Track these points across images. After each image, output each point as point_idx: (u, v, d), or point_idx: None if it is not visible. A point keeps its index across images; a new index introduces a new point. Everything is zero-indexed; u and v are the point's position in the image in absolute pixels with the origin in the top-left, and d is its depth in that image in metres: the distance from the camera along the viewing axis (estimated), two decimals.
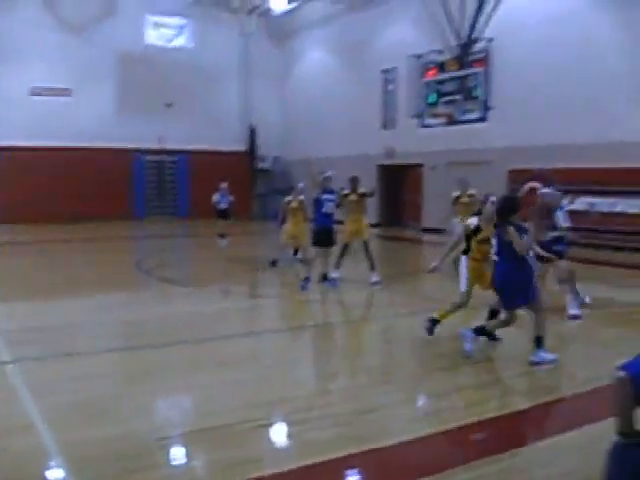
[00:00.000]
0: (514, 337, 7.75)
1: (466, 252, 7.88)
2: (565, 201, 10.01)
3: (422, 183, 24.04)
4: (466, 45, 19.14)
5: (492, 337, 7.65)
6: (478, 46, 19.27)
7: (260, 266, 14.76)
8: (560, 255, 9.37)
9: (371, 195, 12.59)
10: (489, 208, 7.63)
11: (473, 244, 7.73)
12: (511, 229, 6.70)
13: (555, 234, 9.35)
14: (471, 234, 7.74)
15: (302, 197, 12.71)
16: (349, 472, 4.52)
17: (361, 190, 12.30)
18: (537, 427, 5.45)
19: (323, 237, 11.78)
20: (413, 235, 22.85)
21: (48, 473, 4.43)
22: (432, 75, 20.69)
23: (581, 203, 10.45)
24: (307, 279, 11.50)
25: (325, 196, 11.87)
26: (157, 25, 27.97)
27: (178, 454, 4.86)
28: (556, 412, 5.89)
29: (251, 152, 30.93)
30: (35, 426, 5.13)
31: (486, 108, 19.26)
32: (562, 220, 9.42)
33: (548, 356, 6.90)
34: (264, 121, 30.94)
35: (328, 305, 10.92)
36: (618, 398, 3.02)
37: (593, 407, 5.93)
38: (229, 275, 14.67)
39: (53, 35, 26.08)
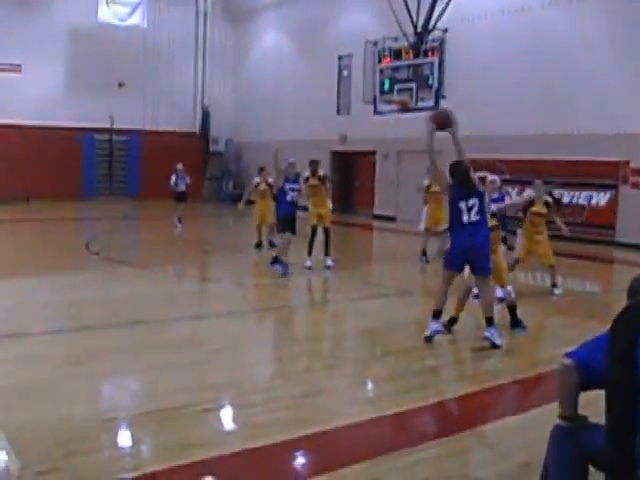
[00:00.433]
0: (459, 322, 7.87)
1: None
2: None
3: (375, 170, 24.16)
4: (422, 34, 19.23)
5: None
6: (433, 35, 19.39)
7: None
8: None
9: (330, 182, 12.67)
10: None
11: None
12: None
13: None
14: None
15: (270, 179, 12.77)
16: (294, 455, 4.57)
17: (321, 173, 12.37)
18: (479, 411, 5.57)
19: (287, 225, 11.64)
20: (364, 221, 23.01)
21: None
22: (387, 62, 20.73)
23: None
24: (276, 259, 11.49)
25: (289, 185, 11.72)
26: (110, 2, 27.42)
27: (124, 437, 4.85)
28: (498, 397, 6.02)
29: (204, 134, 30.67)
30: None
31: (439, 97, 19.37)
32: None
33: (497, 336, 7.12)
34: (218, 103, 30.72)
35: (279, 289, 10.93)
36: (563, 384, 3.12)
37: (535, 392, 6.10)
38: (179, 257, 14.58)
39: (2, 8, 25.41)
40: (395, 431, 5.16)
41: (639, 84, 16.36)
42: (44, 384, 5.74)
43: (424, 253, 13.06)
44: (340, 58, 25.14)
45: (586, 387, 3.09)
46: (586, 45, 17.06)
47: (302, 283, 11.57)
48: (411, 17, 19.10)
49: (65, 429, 4.74)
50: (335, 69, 25.46)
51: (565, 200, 17.47)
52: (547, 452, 3.24)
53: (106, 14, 27.41)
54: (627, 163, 16.82)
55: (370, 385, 6.29)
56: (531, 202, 10.31)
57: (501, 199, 9.77)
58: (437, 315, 7.22)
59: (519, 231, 10.62)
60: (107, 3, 27.37)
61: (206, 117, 30.67)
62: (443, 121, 7.75)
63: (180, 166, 19.07)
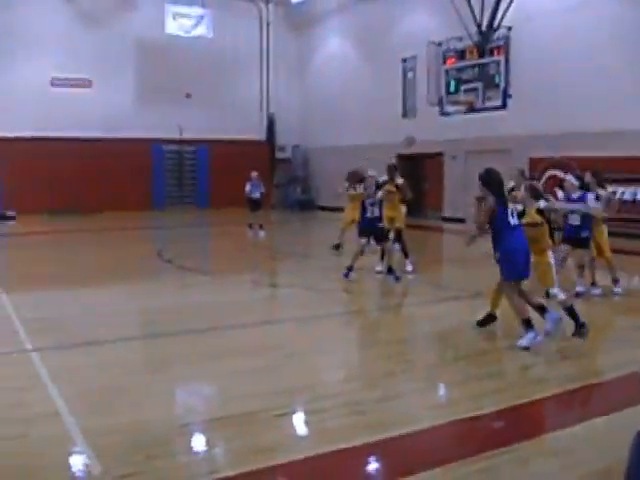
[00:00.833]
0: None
1: None
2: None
3: (442, 172, 23.94)
4: (486, 32, 19.00)
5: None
6: (498, 34, 19.13)
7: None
8: (585, 243, 9.58)
9: (407, 191, 12.60)
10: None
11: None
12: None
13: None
14: None
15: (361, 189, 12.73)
16: (368, 460, 4.55)
17: (399, 181, 12.34)
18: (555, 416, 5.44)
19: (371, 233, 11.58)
20: (433, 224, 22.81)
21: (70, 460, 4.48)
22: (452, 63, 20.56)
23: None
24: (350, 268, 11.48)
25: (368, 200, 11.55)
26: (176, 15, 27.94)
27: (199, 441, 4.92)
28: (575, 401, 5.87)
29: (270, 141, 30.94)
30: (57, 414, 5.21)
31: (506, 96, 19.12)
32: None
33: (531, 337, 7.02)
34: (283, 110, 30.95)
35: (349, 294, 10.93)
36: None
37: (614, 396, 5.92)
38: (250, 264, 14.73)
39: (73, 25, 26.23)
40: (469, 436, 5.08)
41: None
42: (121, 390, 5.88)
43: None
44: (404, 60, 25.01)
45: None
46: None
47: (372, 287, 11.54)
48: (474, 16, 18.90)
49: (143, 434, 4.85)
50: (399, 72, 25.34)
51: None
52: (630, 459, 3.11)
53: (172, 27, 27.94)
54: None
55: (443, 389, 6.21)
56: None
57: (582, 199, 9.48)
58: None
59: None
60: (173, 17, 27.90)
61: (272, 124, 30.94)
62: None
63: (255, 174, 19.40)
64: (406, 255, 12.41)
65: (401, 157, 25.04)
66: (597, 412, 5.34)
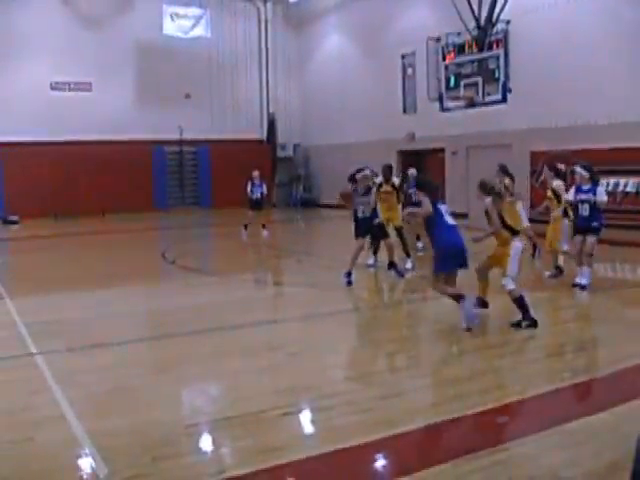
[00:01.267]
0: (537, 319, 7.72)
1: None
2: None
3: (444, 167, 23.91)
4: (485, 27, 18.96)
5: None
6: (497, 28, 19.08)
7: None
8: (596, 231, 9.84)
9: (403, 192, 12.67)
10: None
11: None
12: None
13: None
14: None
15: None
16: (375, 457, 4.55)
17: (395, 181, 12.35)
18: (563, 409, 5.43)
19: (367, 233, 11.40)
20: None
21: (77, 463, 4.49)
22: (451, 58, 20.52)
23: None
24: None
25: (358, 199, 11.17)
26: (174, 16, 27.95)
27: (207, 441, 4.93)
28: (583, 393, 5.87)
29: (271, 140, 30.92)
30: (63, 416, 5.22)
31: (506, 90, 19.08)
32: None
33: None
34: (283, 109, 30.94)
35: (353, 292, 10.91)
36: None
37: (620, 389, 5.91)
38: (253, 263, 14.74)
39: (71, 29, 26.19)
40: (477, 431, 5.08)
41: None
42: (127, 392, 5.89)
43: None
44: (403, 57, 24.96)
45: None
46: None
47: (374, 284, 11.54)
48: (473, 10, 18.85)
49: (150, 435, 4.85)
50: (399, 68, 25.30)
51: None
52: (637, 450, 3.12)
53: (170, 28, 27.96)
54: None
55: (448, 385, 6.20)
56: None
57: (592, 190, 9.86)
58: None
59: None
60: (171, 17, 27.92)
61: (272, 123, 30.92)
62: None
63: (256, 174, 19.34)
64: (407, 254, 12.35)
65: (402, 153, 25.10)
66: (603, 405, 5.33)
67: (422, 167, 24.91)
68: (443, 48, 20.84)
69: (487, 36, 19.00)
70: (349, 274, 10.70)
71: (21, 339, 7.65)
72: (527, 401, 5.48)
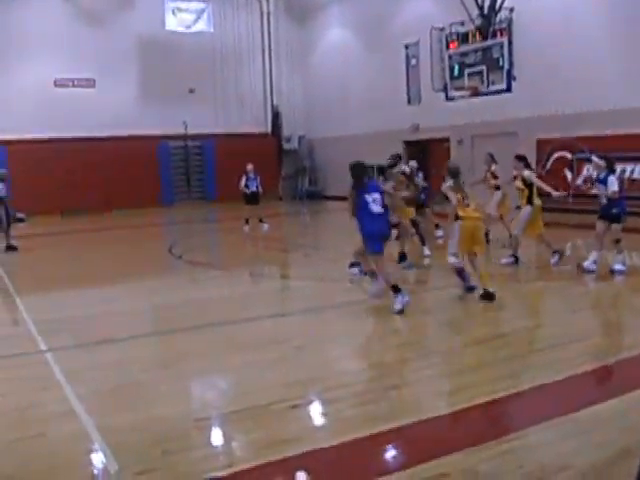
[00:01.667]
0: (541, 309, 7.71)
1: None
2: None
3: (449, 157, 23.84)
4: (488, 15, 18.86)
5: None
6: (500, 16, 18.97)
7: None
8: (617, 218, 10.08)
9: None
10: None
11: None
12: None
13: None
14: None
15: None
16: (385, 448, 4.55)
17: (405, 169, 12.40)
18: (573, 397, 5.40)
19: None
20: (443, 209, 22.73)
21: (87, 458, 4.51)
22: (455, 47, 20.42)
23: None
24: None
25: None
26: (176, 10, 27.92)
27: (216, 435, 4.94)
28: (591, 382, 5.84)
29: (276, 133, 30.89)
30: (73, 412, 5.24)
31: (510, 78, 18.98)
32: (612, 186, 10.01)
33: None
34: (288, 101, 30.90)
35: (356, 284, 10.89)
36: None
37: (630, 375, 5.90)
38: (259, 257, 14.74)
39: (73, 25, 26.18)
40: (487, 420, 5.08)
41: None
42: (136, 387, 5.91)
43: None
44: (407, 47, 24.87)
45: None
46: None
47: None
48: None
49: (159, 429, 4.87)
50: (402, 58, 25.22)
51: None
52: None
53: (172, 23, 27.92)
54: None
55: (457, 375, 6.19)
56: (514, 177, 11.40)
57: (604, 179, 10.10)
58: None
59: None
60: (173, 12, 27.88)
61: (277, 116, 30.88)
62: None
63: (250, 167, 19.07)
64: (423, 242, 12.43)
65: (408, 143, 25.02)
66: (612, 393, 5.31)
67: (427, 157, 24.89)
68: (447, 37, 20.73)
69: (491, 25, 18.90)
70: (356, 264, 10.66)
71: (30, 336, 7.67)
72: (535, 390, 5.47)
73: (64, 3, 26.25)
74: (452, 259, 8.82)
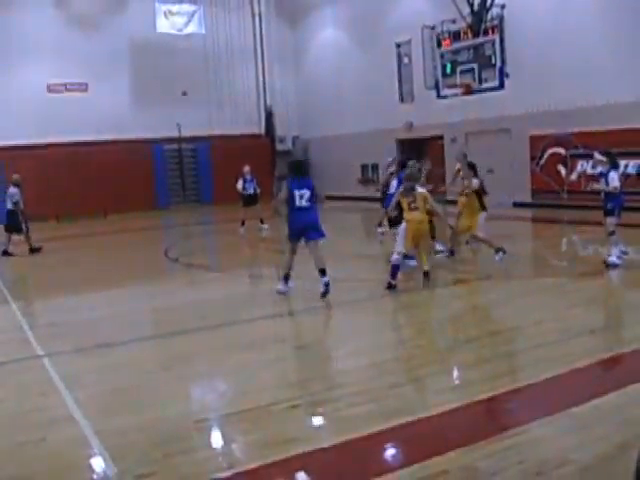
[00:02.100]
0: (538, 306, 7.73)
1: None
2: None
3: (443, 154, 23.87)
4: (479, 12, 18.90)
5: None
6: (491, 13, 19.01)
7: None
8: (610, 212, 10.28)
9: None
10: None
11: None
12: None
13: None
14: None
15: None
16: (386, 446, 4.56)
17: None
18: (571, 392, 5.41)
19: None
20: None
21: (88, 462, 4.51)
22: (447, 45, 20.45)
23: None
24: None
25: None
26: (167, 13, 27.87)
27: (217, 436, 4.95)
28: (590, 377, 5.85)
29: (270, 134, 30.88)
30: (73, 416, 5.24)
31: (503, 75, 19.03)
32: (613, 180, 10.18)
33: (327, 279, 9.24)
34: (281, 102, 30.89)
35: (358, 282, 10.90)
36: None
37: (627, 370, 5.92)
38: (256, 259, 14.74)
39: (66, 30, 26.13)
40: (486, 417, 5.10)
41: None
42: (136, 390, 5.91)
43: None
44: (398, 45, 24.92)
45: None
46: None
47: (381, 274, 11.48)
48: None
49: (160, 432, 4.87)
50: (394, 57, 25.25)
51: None
52: None
53: (164, 26, 27.86)
54: None
55: (456, 372, 6.22)
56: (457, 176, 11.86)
57: (605, 174, 10.32)
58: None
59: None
60: (165, 15, 27.83)
61: (270, 117, 30.87)
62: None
63: (247, 168, 19.00)
64: (433, 237, 12.37)
65: (401, 142, 25.05)
66: (611, 387, 5.32)
67: (422, 155, 24.89)
68: (438, 35, 20.77)
69: (482, 22, 18.94)
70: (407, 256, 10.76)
71: (27, 341, 7.67)
72: (535, 386, 5.48)
73: (55, 8, 26.21)
74: (395, 257, 9.58)
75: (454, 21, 20.10)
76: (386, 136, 24.61)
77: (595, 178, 10.95)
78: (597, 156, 10.76)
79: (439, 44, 20.66)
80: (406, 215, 9.72)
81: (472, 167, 11.70)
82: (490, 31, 18.98)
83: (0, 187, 25.10)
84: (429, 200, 9.86)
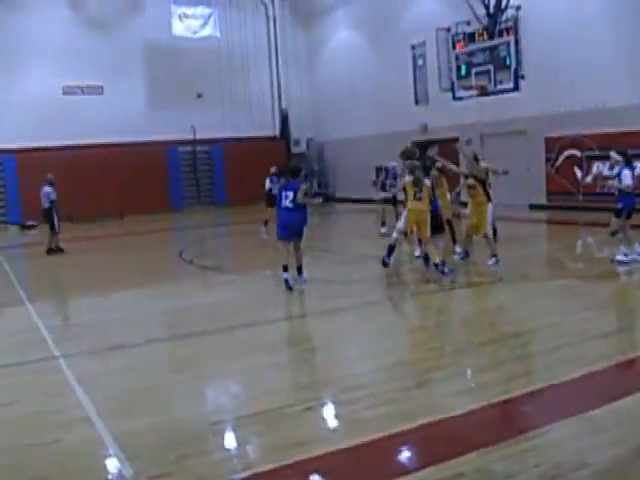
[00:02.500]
0: (552, 308, 7.68)
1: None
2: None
3: (458, 156, 23.78)
4: (494, 14, 18.83)
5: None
6: (506, 15, 18.94)
7: None
8: (617, 212, 10.45)
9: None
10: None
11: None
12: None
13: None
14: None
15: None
16: (401, 448, 4.54)
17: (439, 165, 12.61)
18: (588, 395, 5.38)
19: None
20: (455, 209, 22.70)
21: (104, 463, 4.53)
22: (461, 47, 20.39)
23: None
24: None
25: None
26: (183, 16, 28.00)
27: (231, 438, 4.94)
28: (607, 379, 5.80)
29: (284, 136, 30.92)
30: (88, 418, 5.26)
31: (518, 77, 18.94)
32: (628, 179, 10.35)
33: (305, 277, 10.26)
34: (295, 104, 30.93)
35: (371, 285, 10.87)
36: None
37: None
38: (270, 260, 14.73)
39: (81, 33, 26.28)
40: (502, 419, 5.07)
41: None
42: (151, 391, 5.92)
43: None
44: (413, 48, 24.86)
45: None
46: None
47: (393, 276, 11.49)
48: None
49: (174, 433, 4.87)
50: (409, 59, 25.20)
51: None
52: None
53: (179, 28, 27.99)
54: None
55: (471, 375, 6.18)
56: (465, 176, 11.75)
57: (618, 173, 10.49)
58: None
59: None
60: (180, 18, 27.96)
61: (285, 119, 30.92)
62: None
63: (274, 169, 19.21)
64: (454, 241, 12.48)
65: (416, 144, 24.97)
66: (627, 390, 5.28)
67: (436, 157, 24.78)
68: (453, 37, 20.71)
69: (497, 23, 18.87)
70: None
71: (44, 342, 7.71)
72: (551, 388, 5.45)
73: (71, 10, 26.39)
74: (395, 234, 10.93)
75: (469, 23, 20.05)
76: (401, 138, 24.53)
77: (611, 178, 10.91)
78: (613, 155, 10.81)
79: (454, 46, 20.60)
80: (409, 204, 10.55)
81: (475, 158, 11.83)
82: (505, 32, 18.89)
83: (14, 188, 25.57)
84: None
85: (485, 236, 11.30)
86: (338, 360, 6.68)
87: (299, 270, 10.35)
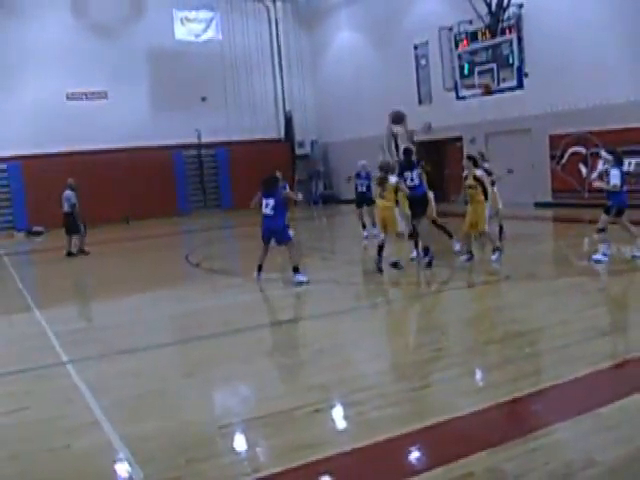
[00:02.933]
0: (560, 306, 7.67)
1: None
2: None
3: (463, 156, 23.75)
4: (497, 13, 18.82)
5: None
6: (509, 13, 18.93)
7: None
8: (606, 210, 10.56)
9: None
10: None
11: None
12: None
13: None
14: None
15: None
16: (409, 449, 4.54)
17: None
18: (596, 393, 5.37)
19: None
20: (458, 209, 22.66)
21: (114, 468, 4.54)
22: (464, 46, 20.38)
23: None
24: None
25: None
26: (185, 20, 28.06)
27: (240, 441, 4.95)
28: (615, 377, 5.80)
29: (289, 138, 30.94)
30: (98, 422, 5.27)
31: (521, 75, 18.91)
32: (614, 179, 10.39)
33: (302, 277, 10.69)
34: (299, 106, 30.97)
35: (377, 286, 10.90)
36: None
37: None
38: (278, 263, 14.72)
39: (84, 39, 26.35)
40: (511, 418, 5.06)
41: None
42: (159, 395, 5.94)
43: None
44: (416, 47, 24.86)
45: None
46: None
47: (397, 277, 11.47)
48: None
49: (184, 437, 4.89)
50: (412, 59, 25.20)
51: None
52: None
53: (182, 32, 28.05)
54: None
55: (479, 374, 6.18)
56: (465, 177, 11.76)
57: (607, 172, 10.61)
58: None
59: None
60: (182, 22, 28.01)
61: (289, 121, 30.94)
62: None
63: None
64: (450, 236, 12.53)
65: (420, 144, 24.95)
66: (637, 387, 5.26)
67: (440, 157, 24.84)
68: (456, 36, 20.70)
69: (499, 22, 18.86)
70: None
71: (52, 348, 7.73)
72: (560, 387, 5.44)
73: (74, 17, 26.45)
74: (381, 236, 11.25)
75: (471, 22, 20.03)
76: (405, 138, 24.50)
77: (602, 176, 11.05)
78: (604, 155, 10.95)
79: (457, 45, 20.59)
80: (377, 202, 11.42)
81: (470, 159, 11.99)
82: (508, 31, 18.88)
83: (20, 195, 25.64)
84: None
85: (484, 234, 11.38)
86: (346, 361, 6.68)
87: (295, 270, 10.80)
